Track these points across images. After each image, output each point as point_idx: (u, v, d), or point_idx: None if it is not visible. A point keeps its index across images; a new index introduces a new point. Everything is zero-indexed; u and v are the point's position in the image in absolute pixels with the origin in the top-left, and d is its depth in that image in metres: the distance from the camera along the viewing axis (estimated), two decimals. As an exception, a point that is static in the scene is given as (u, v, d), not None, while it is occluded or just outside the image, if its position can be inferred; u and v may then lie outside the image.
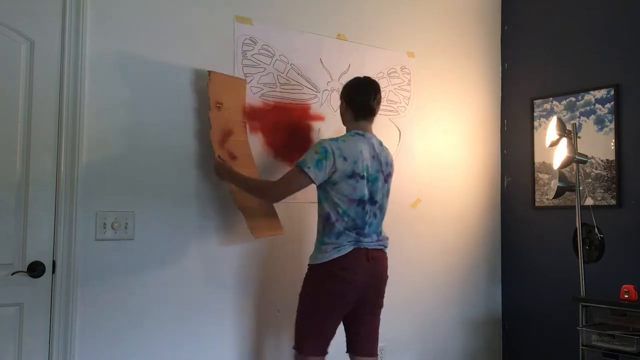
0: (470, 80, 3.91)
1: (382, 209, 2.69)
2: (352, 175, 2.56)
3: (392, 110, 3.48)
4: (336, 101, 3.26)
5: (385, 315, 3.25)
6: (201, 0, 2.84)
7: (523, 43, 3.98)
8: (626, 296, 3.01)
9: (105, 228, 2.54)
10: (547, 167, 3.74)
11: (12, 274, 2.37)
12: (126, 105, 2.62)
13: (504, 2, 4.10)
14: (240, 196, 2.75)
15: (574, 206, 3.35)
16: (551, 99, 3.79)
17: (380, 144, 2.74)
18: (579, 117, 3.61)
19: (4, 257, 2.37)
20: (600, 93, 3.53)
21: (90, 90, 2.53)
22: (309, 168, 2.53)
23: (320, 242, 2.63)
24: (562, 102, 3.72)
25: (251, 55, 2.98)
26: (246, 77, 2.95)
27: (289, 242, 3.03)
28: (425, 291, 3.59)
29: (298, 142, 3.11)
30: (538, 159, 3.83)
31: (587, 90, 3.60)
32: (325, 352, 2.63)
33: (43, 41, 2.46)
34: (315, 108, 3.19)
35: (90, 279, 2.50)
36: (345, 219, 2.57)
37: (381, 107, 3.43)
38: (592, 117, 3.56)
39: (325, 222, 2.61)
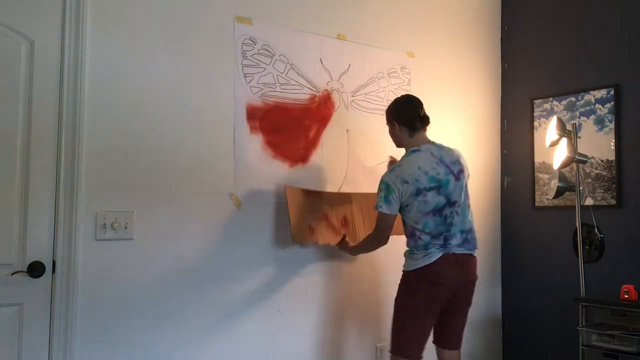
0: (470, 80, 3.91)
1: (462, 206, 2.78)
2: (418, 192, 2.70)
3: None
4: (336, 101, 3.27)
5: (385, 315, 3.26)
6: (201, 0, 2.84)
7: (523, 43, 3.98)
8: (626, 296, 3.01)
9: (105, 228, 2.54)
10: (547, 167, 3.73)
11: (12, 274, 2.37)
12: (126, 105, 2.62)
13: (504, 2, 4.10)
14: (293, 201, 2.93)
15: (574, 206, 3.35)
16: (551, 99, 3.79)
17: (440, 147, 2.83)
18: (579, 117, 3.61)
19: (4, 257, 2.37)
20: (600, 93, 3.53)
21: (90, 90, 2.53)
22: (381, 207, 2.73)
23: (410, 252, 2.77)
24: (562, 102, 3.72)
25: (251, 55, 2.98)
26: (246, 77, 2.95)
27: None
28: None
29: (298, 142, 3.11)
30: (538, 159, 3.83)
31: (587, 90, 3.60)
32: (421, 356, 2.74)
33: (43, 41, 2.46)
34: (315, 108, 3.19)
35: (90, 279, 2.50)
36: (427, 230, 2.71)
37: (381, 107, 3.44)
38: (592, 117, 3.56)
39: (411, 237, 2.77)
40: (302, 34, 3.16)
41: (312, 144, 3.16)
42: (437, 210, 2.71)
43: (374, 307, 3.34)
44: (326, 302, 3.19)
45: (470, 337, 3.81)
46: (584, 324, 3.14)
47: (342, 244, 3.07)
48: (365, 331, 3.32)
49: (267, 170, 3.00)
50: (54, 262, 2.45)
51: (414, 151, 2.78)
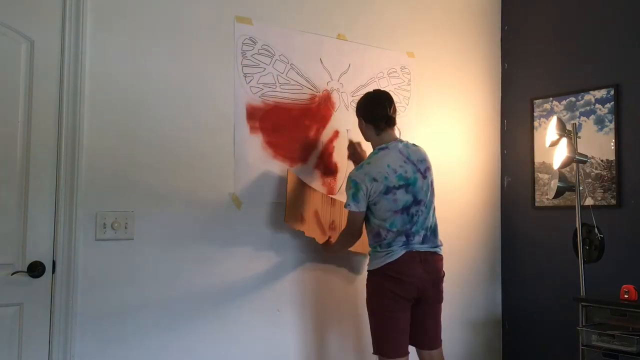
0: (470, 80, 3.91)
1: (427, 205, 2.78)
2: (387, 191, 2.69)
3: (392, 110, 3.48)
4: (336, 101, 3.27)
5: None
6: (201, 0, 2.84)
7: (523, 43, 3.98)
8: (626, 296, 3.01)
9: (105, 228, 2.54)
10: (547, 167, 3.73)
11: (12, 274, 2.37)
12: (126, 105, 2.62)
13: (504, 2, 4.10)
14: (292, 186, 2.95)
15: (574, 206, 3.35)
16: (551, 99, 3.79)
17: (407, 145, 2.82)
18: (579, 117, 3.61)
19: (4, 257, 2.37)
20: (600, 93, 3.53)
21: (90, 90, 2.53)
22: (349, 205, 2.73)
23: (373, 250, 2.78)
24: (562, 102, 3.72)
25: (251, 55, 2.98)
26: (246, 77, 2.95)
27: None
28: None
29: (298, 142, 3.11)
30: (538, 159, 3.82)
31: (587, 90, 3.60)
32: (406, 352, 2.73)
33: (43, 41, 2.46)
34: (315, 108, 3.19)
35: (90, 279, 2.51)
36: (394, 229, 2.71)
37: (381, 107, 3.43)
38: (592, 117, 3.56)
39: (375, 236, 2.76)
40: (302, 34, 3.16)
41: (312, 144, 3.16)
42: (405, 209, 2.71)
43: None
44: (326, 302, 3.19)
45: (470, 337, 3.82)
46: (584, 324, 3.13)
47: (326, 244, 3.07)
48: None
49: (267, 170, 3.00)
50: (54, 262, 2.45)
51: (382, 149, 2.78)
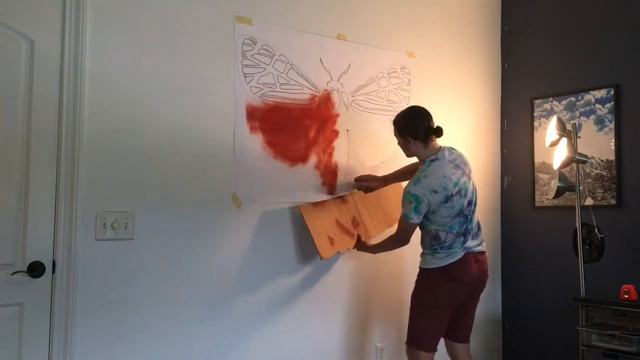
0: (470, 80, 3.91)
1: (475, 204, 2.94)
2: (447, 199, 2.81)
3: (392, 110, 3.47)
4: (336, 101, 3.26)
5: (386, 315, 3.27)
6: (201, 0, 2.84)
7: (523, 43, 3.97)
8: (626, 296, 3.01)
9: (105, 228, 2.54)
10: (547, 167, 3.73)
11: (12, 274, 2.37)
12: (126, 105, 2.62)
13: (504, 2, 4.10)
14: (309, 217, 3.02)
15: (574, 206, 3.35)
16: (551, 99, 3.79)
17: (451, 151, 2.94)
18: (579, 117, 3.61)
19: (4, 257, 2.37)
20: (600, 93, 3.53)
21: (90, 90, 2.53)
22: (412, 218, 2.83)
23: (432, 250, 2.88)
24: (562, 102, 3.72)
25: (251, 55, 2.98)
26: (246, 77, 2.95)
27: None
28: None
29: (298, 142, 3.11)
30: (538, 159, 3.82)
31: (587, 90, 3.60)
32: (436, 349, 2.89)
33: (43, 41, 2.46)
34: (315, 108, 3.19)
35: (90, 279, 2.51)
36: (453, 231, 2.84)
37: (381, 107, 3.45)
38: (592, 117, 3.56)
39: (433, 239, 2.87)
40: (302, 34, 3.16)
41: (312, 144, 3.16)
42: (461, 212, 2.85)
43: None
44: (326, 302, 3.19)
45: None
46: (584, 324, 3.13)
47: (359, 244, 3.15)
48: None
49: (267, 170, 3.00)
50: (54, 262, 2.45)
51: (433, 160, 2.87)
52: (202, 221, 2.80)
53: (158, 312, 2.67)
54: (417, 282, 2.95)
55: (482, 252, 2.95)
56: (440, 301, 2.85)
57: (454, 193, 2.81)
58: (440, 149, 2.91)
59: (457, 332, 2.99)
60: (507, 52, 4.06)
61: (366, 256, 3.27)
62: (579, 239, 3.26)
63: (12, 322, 2.37)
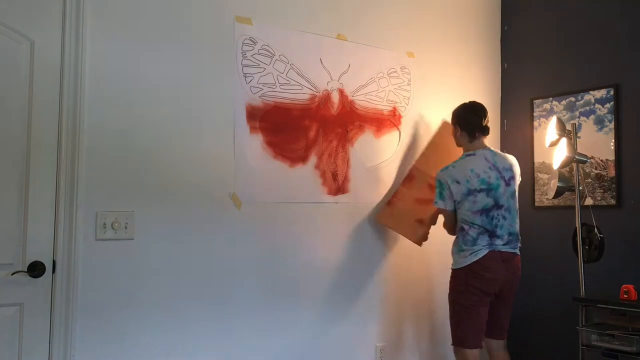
0: (470, 80, 3.91)
1: (509, 210, 3.02)
2: (469, 193, 2.96)
3: (392, 110, 3.48)
4: (336, 101, 3.27)
5: (385, 315, 3.27)
6: (201, 0, 2.84)
7: (523, 43, 3.98)
8: (626, 296, 3.01)
9: (105, 228, 2.54)
10: (547, 167, 3.73)
11: (12, 274, 2.37)
12: (126, 104, 2.62)
13: (504, 2, 4.10)
14: (390, 221, 3.31)
15: (574, 206, 3.35)
16: (551, 99, 3.79)
17: (495, 153, 3.07)
18: (579, 117, 3.61)
19: (4, 257, 2.37)
20: (600, 93, 3.53)
21: (90, 90, 2.53)
22: (436, 202, 3.05)
23: (458, 249, 3.01)
24: (562, 102, 3.72)
25: (251, 55, 2.98)
26: (246, 77, 2.95)
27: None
28: (426, 291, 3.59)
29: (298, 142, 3.11)
30: (538, 158, 3.83)
31: (587, 90, 3.60)
32: (481, 345, 3.01)
33: (43, 41, 2.46)
34: (315, 108, 3.19)
35: (90, 279, 2.51)
36: (475, 227, 2.95)
37: (381, 107, 3.44)
38: (592, 117, 3.56)
39: (459, 232, 3.03)
40: (302, 34, 3.16)
41: (312, 144, 3.16)
42: (485, 211, 2.95)
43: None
44: (325, 301, 3.20)
45: (470, 337, 3.81)
46: (583, 323, 3.14)
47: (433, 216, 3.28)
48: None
49: (267, 170, 3.00)
50: (54, 262, 2.45)
51: (468, 155, 3.04)
52: (202, 221, 2.80)
53: (158, 312, 2.67)
54: (449, 283, 3.05)
55: (512, 253, 3.01)
56: (471, 298, 2.93)
57: (477, 189, 2.93)
58: (483, 148, 3.05)
59: (492, 329, 3.06)
60: (507, 52, 4.06)
61: (365, 256, 3.28)
62: (579, 239, 3.26)
63: (12, 322, 2.37)
